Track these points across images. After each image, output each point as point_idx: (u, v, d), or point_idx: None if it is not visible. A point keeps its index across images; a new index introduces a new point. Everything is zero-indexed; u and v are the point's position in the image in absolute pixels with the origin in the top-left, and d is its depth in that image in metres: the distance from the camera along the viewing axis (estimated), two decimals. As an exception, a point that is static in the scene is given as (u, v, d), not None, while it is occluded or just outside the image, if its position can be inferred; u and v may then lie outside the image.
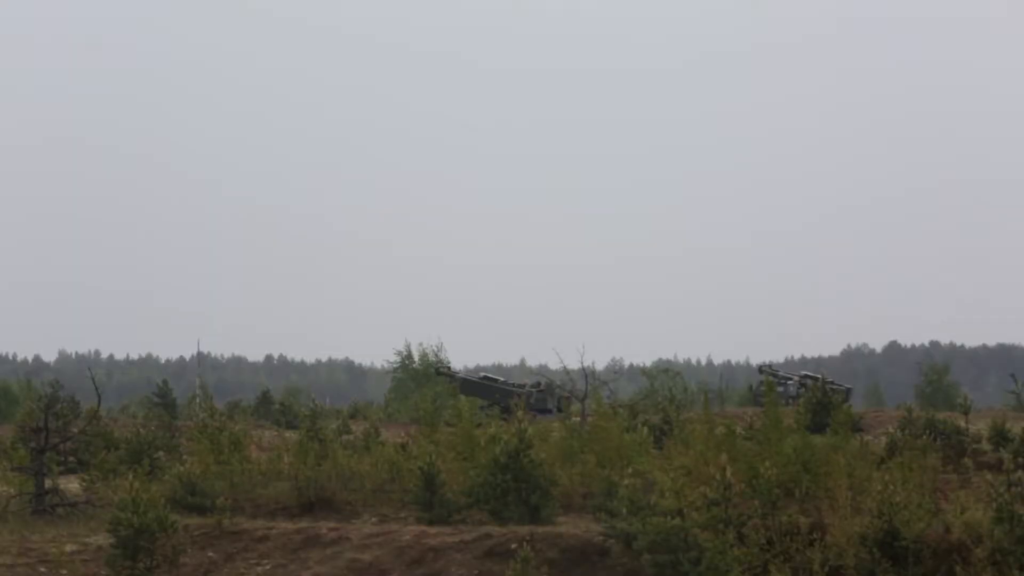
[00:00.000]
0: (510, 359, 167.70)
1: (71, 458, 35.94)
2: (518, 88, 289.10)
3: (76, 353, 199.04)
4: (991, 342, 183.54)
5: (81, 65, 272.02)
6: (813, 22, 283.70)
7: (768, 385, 27.91)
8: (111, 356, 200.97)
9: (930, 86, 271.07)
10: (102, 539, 24.73)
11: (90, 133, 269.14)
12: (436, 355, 66.78)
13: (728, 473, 22.59)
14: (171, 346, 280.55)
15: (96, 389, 31.28)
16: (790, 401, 49.71)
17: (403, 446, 31.61)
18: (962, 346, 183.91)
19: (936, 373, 67.79)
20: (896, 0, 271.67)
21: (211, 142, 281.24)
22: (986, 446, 35.46)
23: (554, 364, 37.21)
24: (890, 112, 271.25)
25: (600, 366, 40.77)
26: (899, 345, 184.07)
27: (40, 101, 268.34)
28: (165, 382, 60.44)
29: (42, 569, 24.12)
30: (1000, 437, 35.86)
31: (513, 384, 56.69)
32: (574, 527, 24.68)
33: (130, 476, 25.12)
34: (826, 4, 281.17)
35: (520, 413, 27.25)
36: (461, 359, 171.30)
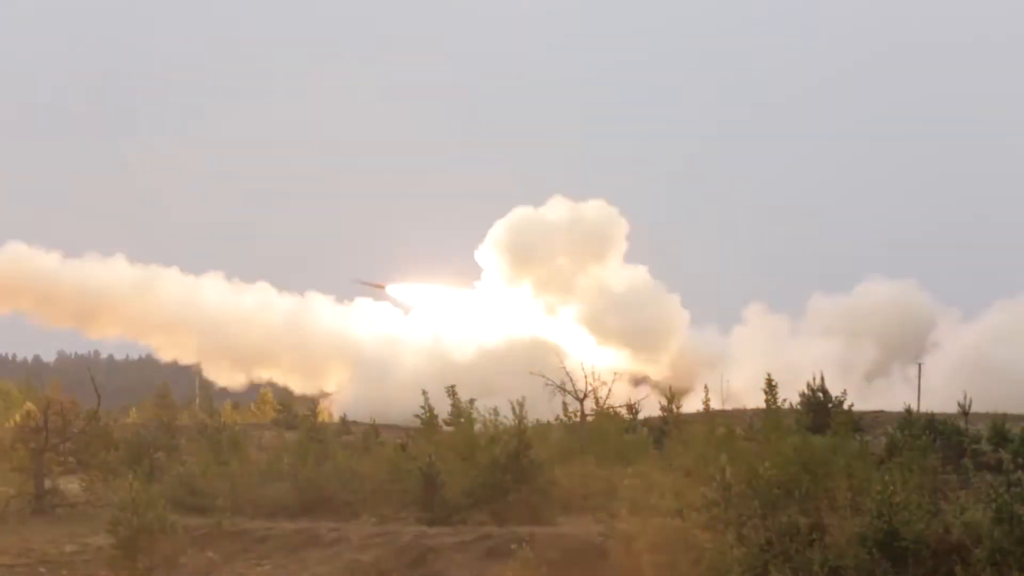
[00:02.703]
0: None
1: (71, 458, 35.88)
2: (518, 88, 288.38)
3: (76, 353, 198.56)
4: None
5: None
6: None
7: (769, 384, 27.85)
8: (111, 357, 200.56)
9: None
10: (102, 539, 24.72)
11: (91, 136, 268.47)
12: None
13: (728, 473, 22.58)
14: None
15: (96, 389, 31.26)
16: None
17: (403, 446, 31.60)
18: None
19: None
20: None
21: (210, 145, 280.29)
22: (986, 446, 35.39)
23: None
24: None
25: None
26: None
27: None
28: (165, 384, 60.41)
29: (42, 569, 24.13)
30: (1000, 437, 35.79)
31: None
32: (574, 527, 24.66)
33: (130, 476, 25.12)
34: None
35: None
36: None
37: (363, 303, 63.84)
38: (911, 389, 49.97)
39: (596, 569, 22.93)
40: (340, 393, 58.85)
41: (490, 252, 62.75)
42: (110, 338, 66.12)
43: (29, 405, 37.87)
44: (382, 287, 63.63)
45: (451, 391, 30.94)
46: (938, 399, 43.11)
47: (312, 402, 50.91)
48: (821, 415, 36.95)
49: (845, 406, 33.90)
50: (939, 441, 33.28)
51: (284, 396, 60.05)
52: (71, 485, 30.76)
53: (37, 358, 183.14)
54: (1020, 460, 30.07)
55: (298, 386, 61.60)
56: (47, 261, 57.67)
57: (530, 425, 28.26)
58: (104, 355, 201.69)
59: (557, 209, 63.52)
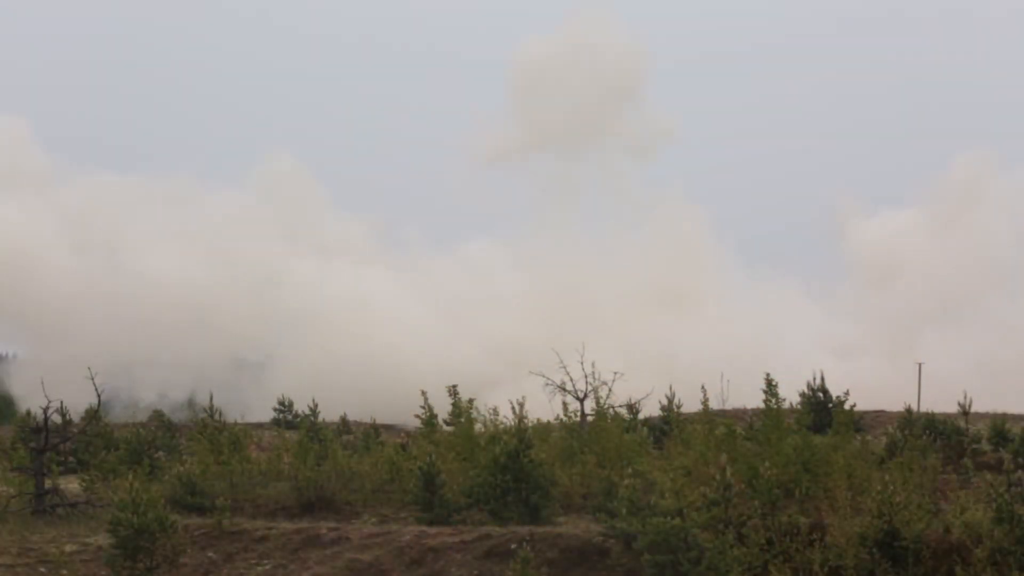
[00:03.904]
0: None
1: (71, 458, 35.89)
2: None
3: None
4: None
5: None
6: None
7: (769, 384, 27.79)
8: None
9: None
10: (102, 539, 24.75)
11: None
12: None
13: (728, 473, 22.62)
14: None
15: (96, 389, 31.22)
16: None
17: (403, 446, 31.60)
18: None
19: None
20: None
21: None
22: (986, 446, 35.45)
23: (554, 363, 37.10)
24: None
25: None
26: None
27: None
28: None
29: (42, 569, 24.16)
30: (1000, 437, 35.85)
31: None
32: (574, 527, 24.71)
33: (130, 476, 25.13)
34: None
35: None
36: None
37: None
38: None
39: (596, 569, 22.96)
40: None
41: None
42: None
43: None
44: None
45: (452, 390, 30.92)
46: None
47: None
48: (821, 414, 37.04)
49: (846, 405, 33.92)
50: (939, 441, 33.35)
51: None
52: (71, 485, 30.76)
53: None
54: (1020, 460, 30.10)
55: None
56: None
57: (530, 425, 28.26)
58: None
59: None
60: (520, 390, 31.60)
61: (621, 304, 59.82)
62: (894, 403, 42.31)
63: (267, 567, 24.27)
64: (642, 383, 38.82)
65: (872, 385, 46.50)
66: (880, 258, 64.24)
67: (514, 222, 69.55)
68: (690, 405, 37.10)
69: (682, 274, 61.23)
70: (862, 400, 35.23)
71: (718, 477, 22.62)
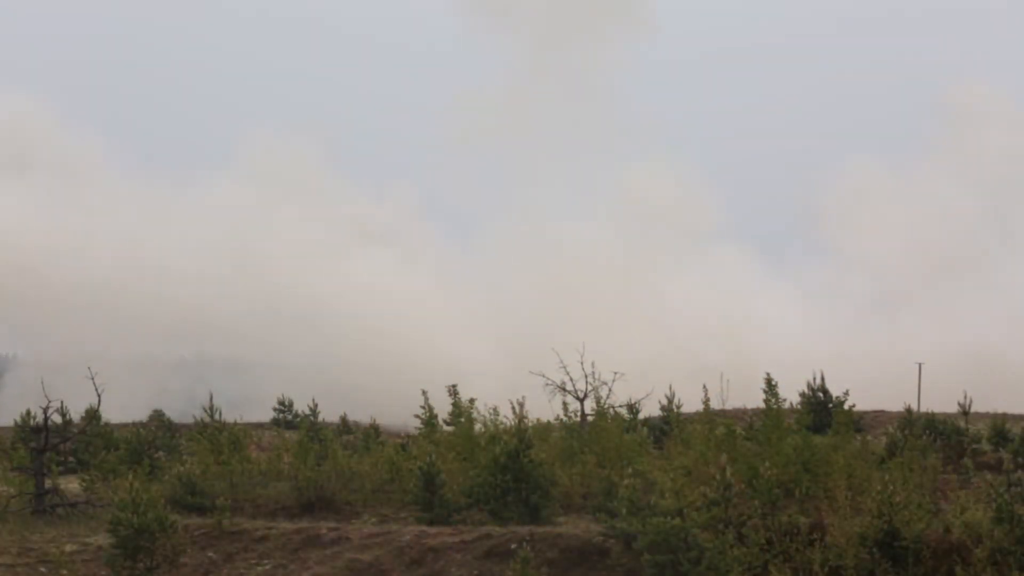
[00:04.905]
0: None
1: (71, 458, 35.89)
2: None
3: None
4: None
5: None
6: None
7: (769, 384, 27.82)
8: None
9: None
10: (102, 539, 24.77)
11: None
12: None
13: (728, 473, 22.62)
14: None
15: (96, 389, 31.21)
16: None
17: (403, 446, 31.61)
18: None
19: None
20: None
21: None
22: (986, 446, 35.47)
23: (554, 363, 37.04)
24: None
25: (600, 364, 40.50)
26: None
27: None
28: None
29: (42, 569, 24.17)
30: (1000, 437, 35.87)
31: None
32: (574, 527, 24.71)
33: (130, 476, 25.14)
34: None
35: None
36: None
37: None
38: None
39: (596, 569, 22.96)
40: None
41: None
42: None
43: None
44: None
45: (452, 390, 30.92)
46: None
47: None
48: (821, 414, 37.03)
49: (846, 405, 33.92)
50: (939, 441, 33.35)
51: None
52: (71, 485, 30.77)
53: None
54: (1020, 460, 30.12)
55: None
56: None
57: (530, 425, 28.26)
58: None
59: None
60: (520, 389, 31.60)
61: (619, 289, 60.04)
62: (894, 403, 42.34)
63: (267, 567, 24.28)
64: (639, 367, 38.80)
65: (871, 383, 46.66)
66: (856, 238, 64.68)
67: (510, 213, 69.36)
68: (690, 405, 37.08)
69: (677, 262, 61.52)
70: (860, 398, 35.25)
71: (718, 477, 22.62)
